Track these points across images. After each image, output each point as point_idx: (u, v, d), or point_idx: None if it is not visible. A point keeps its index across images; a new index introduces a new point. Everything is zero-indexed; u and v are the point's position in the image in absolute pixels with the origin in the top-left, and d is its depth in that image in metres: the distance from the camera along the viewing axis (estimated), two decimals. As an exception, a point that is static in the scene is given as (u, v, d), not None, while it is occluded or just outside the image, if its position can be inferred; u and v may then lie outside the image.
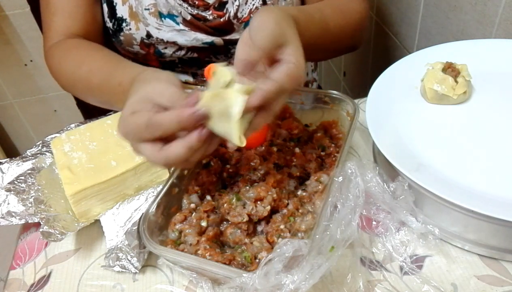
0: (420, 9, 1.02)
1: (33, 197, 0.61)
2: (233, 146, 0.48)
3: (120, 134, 0.49)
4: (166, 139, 0.47)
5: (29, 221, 0.59)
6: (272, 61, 0.51)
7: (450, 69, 0.65)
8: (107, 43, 0.82)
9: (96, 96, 0.72)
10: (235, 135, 0.47)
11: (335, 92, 0.67)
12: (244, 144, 0.47)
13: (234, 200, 0.56)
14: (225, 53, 0.84)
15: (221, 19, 0.79)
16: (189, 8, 0.78)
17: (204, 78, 0.70)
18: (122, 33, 0.80)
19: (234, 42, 0.81)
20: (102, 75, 0.68)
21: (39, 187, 0.63)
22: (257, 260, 0.51)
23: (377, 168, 0.56)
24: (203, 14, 0.78)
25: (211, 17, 0.78)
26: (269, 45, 0.49)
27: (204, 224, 0.55)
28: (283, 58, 0.50)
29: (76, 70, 0.72)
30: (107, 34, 0.82)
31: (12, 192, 0.62)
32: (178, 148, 0.47)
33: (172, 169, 0.62)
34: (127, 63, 0.68)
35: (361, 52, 1.40)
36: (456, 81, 0.64)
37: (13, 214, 0.60)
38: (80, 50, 0.75)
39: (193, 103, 0.46)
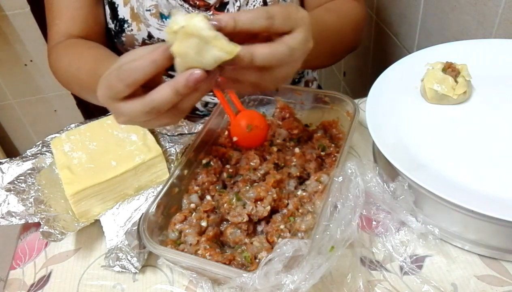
0: (420, 9, 1.02)
1: (33, 197, 0.61)
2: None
3: (100, 99, 0.48)
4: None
5: (29, 221, 0.59)
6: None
7: (450, 69, 0.65)
8: (110, 44, 0.83)
9: (89, 91, 0.71)
10: (226, 46, 0.44)
11: (335, 92, 0.68)
12: (238, 48, 0.44)
13: (234, 200, 0.56)
14: None
15: None
16: (190, 8, 0.78)
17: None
18: (124, 34, 0.80)
19: None
20: (89, 72, 0.68)
21: (39, 187, 0.63)
22: (257, 260, 0.51)
23: (377, 168, 0.56)
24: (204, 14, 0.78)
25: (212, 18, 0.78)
26: (248, 19, 0.46)
27: (204, 224, 0.55)
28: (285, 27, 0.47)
29: (68, 69, 0.73)
30: (110, 35, 0.83)
31: (12, 192, 0.62)
32: (164, 90, 0.45)
33: (172, 169, 0.62)
34: (114, 58, 0.68)
35: (361, 52, 1.40)
36: (456, 81, 0.64)
37: (13, 214, 0.60)
38: (74, 49, 0.75)
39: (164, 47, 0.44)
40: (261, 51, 0.45)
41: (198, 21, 0.43)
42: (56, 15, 0.78)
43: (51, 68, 0.79)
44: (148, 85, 0.47)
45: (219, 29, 0.44)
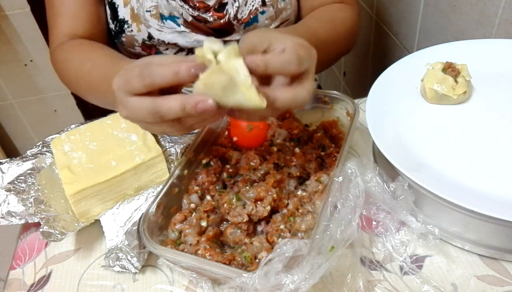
0: (420, 9, 1.02)
1: (33, 197, 0.61)
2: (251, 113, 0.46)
3: (113, 88, 0.48)
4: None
5: (29, 221, 0.59)
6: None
7: (450, 69, 0.65)
8: (110, 44, 0.83)
9: (98, 93, 0.71)
10: (254, 98, 0.44)
11: (335, 92, 0.68)
12: (265, 103, 0.44)
13: (234, 200, 0.56)
14: None
15: (221, 21, 0.79)
16: (190, 10, 0.78)
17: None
18: (124, 35, 0.80)
19: None
20: (104, 70, 0.68)
21: (39, 187, 0.63)
22: (257, 260, 0.51)
23: (377, 168, 0.56)
24: (204, 16, 0.78)
25: (211, 19, 0.79)
26: (250, 50, 0.48)
27: (204, 224, 0.55)
28: (280, 49, 0.48)
29: (79, 68, 0.73)
30: (110, 35, 0.83)
31: (12, 192, 0.62)
32: (173, 101, 0.45)
33: (172, 169, 0.62)
34: (128, 59, 0.69)
35: (361, 52, 1.40)
36: (456, 81, 0.64)
37: (13, 214, 0.60)
38: (84, 48, 0.75)
39: (192, 65, 0.44)
40: (283, 97, 0.46)
41: (238, 65, 0.43)
42: (58, 14, 0.78)
43: (55, 67, 0.78)
44: (166, 91, 0.47)
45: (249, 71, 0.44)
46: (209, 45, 0.45)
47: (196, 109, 0.44)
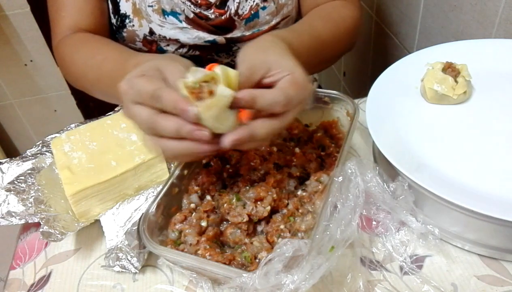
0: (420, 9, 1.02)
1: (33, 197, 0.61)
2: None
3: (120, 89, 0.49)
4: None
5: (29, 221, 0.59)
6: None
7: (450, 69, 0.65)
8: (112, 39, 0.82)
9: (107, 87, 0.70)
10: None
11: (335, 92, 0.67)
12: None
13: (234, 200, 0.56)
14: (226, 51, 0.85)
15: (222, 17, 0.79)
16: (192, 6, 0.78)
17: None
18: (125, 30, 0.80)
19: (236, 40, 0.82)
20: (116, 62, 0.68)
21: (39, 187, 0.63)
22: (257, 260, 0.51)
23: (377, 168, 0.56)
24: (206, 13, 0.78)
25: (213, 16, 0.79)
26: (249, 73, 0.50)
27: (204, 224, 0.55)
28: (278, 77, 0.50)
29: (89, 60, 0.73)
30: (111, 30, 0.83)
31: (12, 192, 0.62)
32: (170, 121, 0.46)
33: (172, 169, 0.62)
34: (137, 54, 0.69)
35: (361, 52, 1.40)
36: (456, 81, 0.64)
37: (13, 214, 0.60)
38: (93, 42, 0.75)
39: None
40: (260, 129, 0.48)
41: (225, 92, 0.45)
42: (61, 8, 0.78)
43: (61, 61, 0.78)
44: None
45: (238, 106, 0.47)
46: (192, 78, 0.46)
47: (191, 135, 0.46)
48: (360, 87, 1.53)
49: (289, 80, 0.49)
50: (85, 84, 0.77)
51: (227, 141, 0.47)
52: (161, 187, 0.57)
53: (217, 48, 0.83)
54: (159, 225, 0.56)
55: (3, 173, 0.66)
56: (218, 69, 0.46)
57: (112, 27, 0.82)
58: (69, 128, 0.71)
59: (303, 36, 0.67)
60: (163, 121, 0.47)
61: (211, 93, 0.45)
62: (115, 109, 0.74)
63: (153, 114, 0.47)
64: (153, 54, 0.67)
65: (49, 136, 0.72)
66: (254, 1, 0.79)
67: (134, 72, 0.49)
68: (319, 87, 1.07)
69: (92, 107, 0.78)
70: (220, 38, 0.81)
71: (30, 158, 0.68)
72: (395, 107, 0.65)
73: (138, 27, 0.79)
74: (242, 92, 0.47)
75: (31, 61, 1.71)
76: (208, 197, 0.59)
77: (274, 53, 0.53)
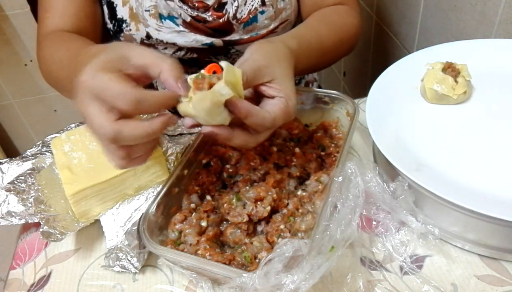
0: (420, 9, 1.02)
1: (33, 197, 0.61)
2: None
3: (81, 79, 0.45)
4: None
5: (29, 221, 0.59)
6: (261, 96, 0.54)
7: (450, 69, 0.65)
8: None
9: (64, 78, 0.68)
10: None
11: (335, 92, 0.67)
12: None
13: (234, 200, 0.56)
14: (224, 53, 0.84)
15: (220, 20, 0.79)
16: (189, 10, 0.78)
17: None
18: (122, 34, 0.80)
19: (233, 43, 0.82)
20: (71, 51, 0.66)
21: (39, 187, 0.63)
22: (257, 260, 0.52)
23: (377, 168, 0.56)
24: (203, 15, 0.78)
25: (210, 18, 0.79)
26: (252, 77, 0.51)
27: (204, 224, 0.55)
28: (275, 94, 0.52)
29: (54, 55, 0.72)
30: (108, 35, 0.83)
31: (12, 192, 0.62)
32: (138, 126, 0.45)
33: (172, 169, 0.62)
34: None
35: (361, 52, 1.40)
36: (456, 81, 0.64)
37: (13, 214, 0.60)
38: (65, 40, 0.73)
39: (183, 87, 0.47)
40: (236, 139, 0.50)
41: (224, 91, 0.46)
42: (47, 9, 0.77)
43: (38, 61, 0.78)
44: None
45: (230, 110, 0.48)
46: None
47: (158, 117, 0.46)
48: (360, 87, 1.53)
49: (281, 108, 0.52)
50: (51, 82, 0.76)
51: (206, 129, 0.48)
52: (161, 187, 0.57)
53: (215, 51, 0.83)
54: (159, 225, 0.56)
55: (3, 173, 0.66)
56: (224, 64, 0.47)
57: (109, 33, 0.82)
58: (69, 128, 0.71)
59: (309, 45, 0.68)
60: (128, 127, 0.45)
61: (211, 86, 0.46)
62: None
63: (114, 117, 0.45)
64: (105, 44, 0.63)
65: (49, 136, 0.72)
66: (252, 5, 0.78)
67: (93, 64, 0.46)
68: (319, 87, 1.07)
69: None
70: (217, 41, 0.81)
71: (30, 158, 0.68)
72: (395, 107, 0.65)
73: (135, 31, 0.79)
74: (241, 105, 0.48)
75: (31, 61, 1.71)
76: (208, 197, 0.59)
77: (281, 67, 0.55)
